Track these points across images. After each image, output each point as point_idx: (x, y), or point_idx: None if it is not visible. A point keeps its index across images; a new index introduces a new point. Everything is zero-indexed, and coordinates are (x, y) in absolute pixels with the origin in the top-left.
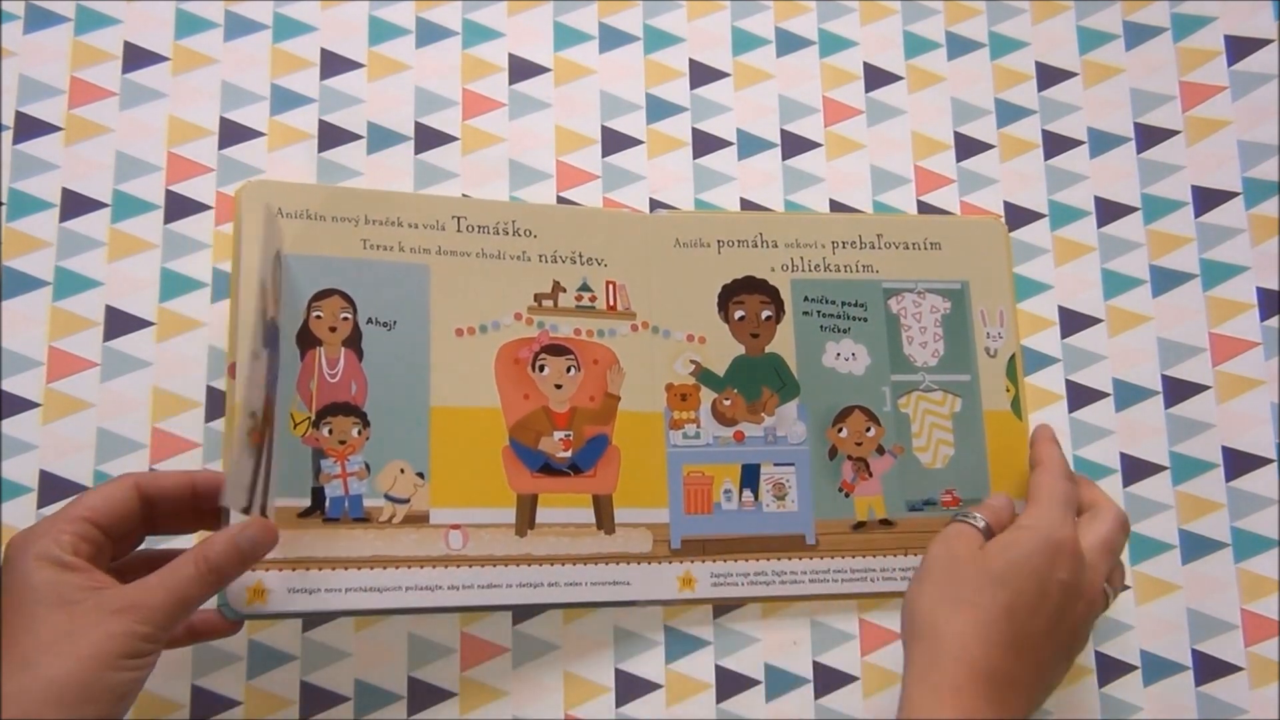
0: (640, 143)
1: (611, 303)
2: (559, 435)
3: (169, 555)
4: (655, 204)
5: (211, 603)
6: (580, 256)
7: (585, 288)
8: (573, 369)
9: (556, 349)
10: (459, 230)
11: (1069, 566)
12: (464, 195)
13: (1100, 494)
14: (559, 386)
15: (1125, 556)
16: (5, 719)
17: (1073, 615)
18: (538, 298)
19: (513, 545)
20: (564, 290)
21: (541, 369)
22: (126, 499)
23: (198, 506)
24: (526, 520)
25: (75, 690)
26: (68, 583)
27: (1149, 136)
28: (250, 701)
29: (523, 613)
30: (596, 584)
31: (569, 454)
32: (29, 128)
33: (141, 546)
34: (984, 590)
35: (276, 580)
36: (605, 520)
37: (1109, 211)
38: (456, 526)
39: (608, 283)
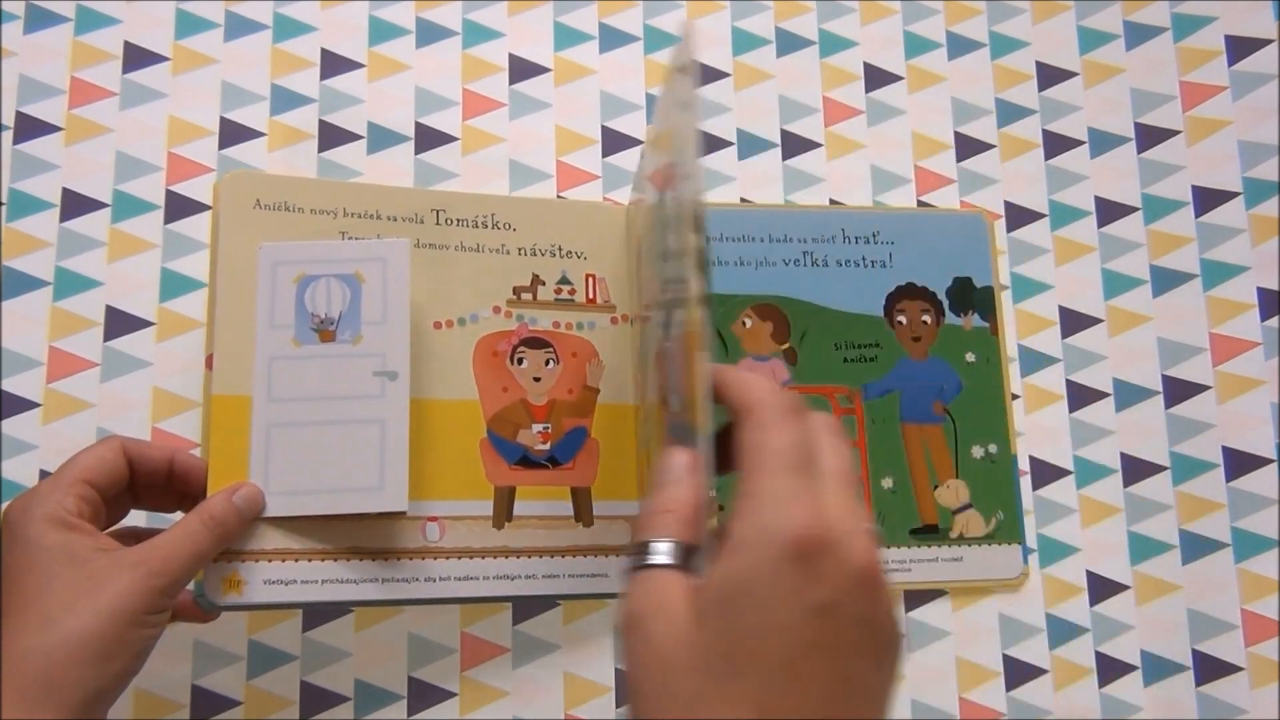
0: (640, 143)
1: (591, 296)
2: (537, 428)
3: (156, 531)
4: None
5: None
6: (560, 249)
7: (564, 281)
8: (551, 362)
9: (535, 342)
10: (438, 223)
11: (817, 576)
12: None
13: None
14: (537, 379)
15: (1125, 558)
16: (31, 676)
17: (851, 642)
18: (516, 291)
19: (490, 537)
20: (543, 283)
21: (520, 362)
22: (116, 460)
23: (173, 485)
24: (504, 512)
25: (97, 646)
26: (79, 543)
27: (1149, 136)
28: (250, 701)
29: (518, 610)
30: (575, 576)
31: (547, 446)
32: (29, 128)
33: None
34: (715, 702)
35: (252, 571)
36: (584, 512)
37: (1109, 211)
38: (434, 519)
39: (587, 276)
